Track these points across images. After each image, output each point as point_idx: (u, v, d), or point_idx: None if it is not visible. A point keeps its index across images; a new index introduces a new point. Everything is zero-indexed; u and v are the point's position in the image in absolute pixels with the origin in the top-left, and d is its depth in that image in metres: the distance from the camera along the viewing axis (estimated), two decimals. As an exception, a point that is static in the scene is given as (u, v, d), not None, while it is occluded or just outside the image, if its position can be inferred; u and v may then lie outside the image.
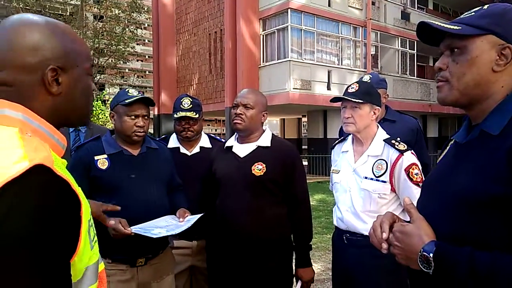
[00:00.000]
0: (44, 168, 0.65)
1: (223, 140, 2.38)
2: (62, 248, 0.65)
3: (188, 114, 2.29)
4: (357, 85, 1.98)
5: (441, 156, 1.12)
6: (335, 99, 2.03)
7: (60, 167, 0.72)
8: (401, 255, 0.97)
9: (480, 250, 0.83)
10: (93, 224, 0.82)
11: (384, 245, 1.00)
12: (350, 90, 1.97)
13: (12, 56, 0.75)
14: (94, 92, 0.94)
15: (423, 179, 1.88)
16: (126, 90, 1.96)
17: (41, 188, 0.63)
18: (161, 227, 1.73)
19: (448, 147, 1.11)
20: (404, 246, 0.95)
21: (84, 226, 0.72)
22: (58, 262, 0.64)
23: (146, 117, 1.93)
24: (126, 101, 1.87)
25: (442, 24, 0.99)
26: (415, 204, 1.05)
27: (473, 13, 0.99)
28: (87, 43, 0.88)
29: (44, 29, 0.79)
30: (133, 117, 1.89)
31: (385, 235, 1.00)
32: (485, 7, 0.99)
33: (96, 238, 0.82)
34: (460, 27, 0.96)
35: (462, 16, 1.01)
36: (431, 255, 0.88)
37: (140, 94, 1.92)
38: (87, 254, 0.74)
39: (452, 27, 0.97)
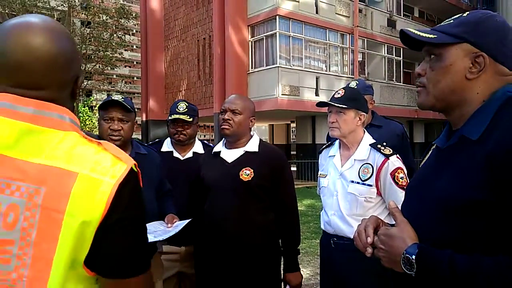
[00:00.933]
0: (134, 168, 0.81)
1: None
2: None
3: (182, 117, 2.30)
4: (343, 90, 2.02)
5: (424, 161, 1.15)
6: (321, 104, 2.06)
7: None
8: (385, 258, 0.98)
9: (461, 253, 0.85)
10: None
11: (369, 249, 1.01)
12: (336, 96, 2.01)
13: (52, 74, 0.78)
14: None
15: (408, 183, 1.91)
16: (111, 95, 1.95)
17: (138, 183, 0.81)
18: (149, 232, 1.73)
19: (430, 152, 1.13)
20: (388, 249, 0.96)
21: None
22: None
23: (124, 121, 1.90)
24: (101, 104, 1.88)
25: (419, 33, 1.01)
26: (400, 208, 1.07)
27: (451, 21, 1.01)
28: None
29: (69, 38, 0.83)
30: (108, 120, 1.88)
31: (369, 239, 1.01)
32: (465, 14, 1.01)
33: None
34: (436, 36, 0.98)
35: (441, 24, 1.04)
36: (414, 257, 0.89)
37: (121, 99, 1.90)
38: None
39: (428, 35, 0.99)
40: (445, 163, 0.99)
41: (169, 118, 2.35)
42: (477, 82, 0.95)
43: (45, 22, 0.79)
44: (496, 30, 0.96)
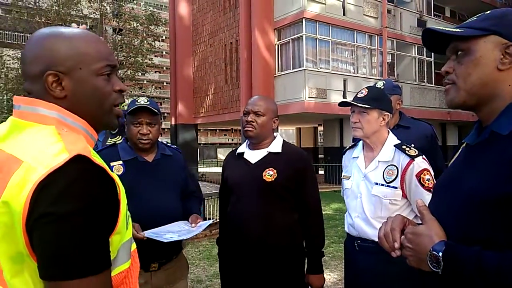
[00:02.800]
0: (82, 157, 0.74)
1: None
2: (104, 225, 0.75)
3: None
4: (367, 90, 1.99)
5: (453, 159, 1.13)
6: (343, 104, 2.05)
7: (96, 157, 0.79)
8: (412, 257, 0.97)
9: (491, 250, 0.83)
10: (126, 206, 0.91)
11: (397, 252, 1.01)
12: (359, 95, 1.99)
13: (24, 68, 0.86)
14: (123, 93, 0.94)
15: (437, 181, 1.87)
16: (136, 99, 2.00)
17: (82, 175, 0.72)
18: (173, 232, 1.77)
19: (460, 150, 1.11)
20: (415, 247, 0.95)
21: (122, 207, 0.81)
22: (101, 236, 0.74)
23: (152, 125, 1.95)
24: (129, 110, 1.93)
25: (446, 28, 1.01)
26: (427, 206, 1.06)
27: (475, 18, 1.01)
28: (104, 46, 0.87)
29: (44, 39, 0.85)
30: (137, 124, 1.93)
31: (397, 245, 1.01)
32: (487, 12, 1.01)
33: (130, 220, 0.91)
34: (462, 30, 0.98)
35: (466, 21, 1.03)
36: (441, 254, 0.88)
37: (147, 103, 1.94)
38: (123, 233, 0.83)
39: (455, 30, 0.99)
40: (475, 159, 0.97)
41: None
42: (509, 73, 0.94)
43: (41, 31, 0.88)
44: None
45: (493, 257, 0.82)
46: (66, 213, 0.69)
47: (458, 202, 0.94)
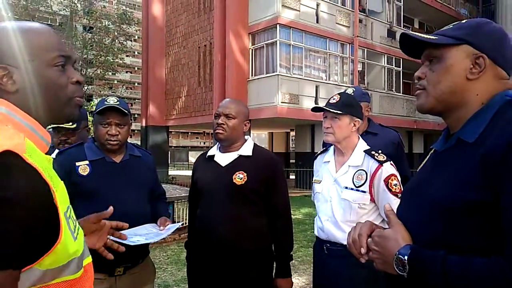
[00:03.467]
0: (11, 153, 0.70)
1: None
2: (21, 224, 0.69)
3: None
4: (339, 96, 2.03)
5: (421, 165, 1.15)
6: (315, 109, 2.07)
7: (34, 157, 0.74)
8: (378, 260, 0.98)
9: (454, 255, 0.85)
10: (73, 217, 0.84)
11: (365, 257, 1.02)
12: (331, 101, 2.01)
13: None
14: (81, 84, 0.91)
15: (402, 190, 1.91)
16: (105, 98, 1.94)
17: (5, 171, 0.68)
18: (140, 235, 1.72)
19: (428, 156, 1.14)
20: (381, 250, 0.97)
21: (61, 217, 0.76)
22: (15, 233, 0.68)
23: (121, 126, 1.89)
24: (97, 110, 1.87)
25: (421, 35, 1.03)
26: (396, 211, 1.07)
27: (451, 26, 1.04)
28: (75, 54, 0.84)
29: None
30: (105, 125, 1.87)
31: (363, 250, 1.02)
32: (463, 21, 1.04)
33: (80, 230, 0.85)
34: (437, 37, 1.00)
35: (441, 29, 1.06)
36: (406, 257, 0.90)
37: (117, 103, 1.88)
38: (71, 245, 0.78)
39: (429, 37, 1.02)
40: (442, 165, 0.99)
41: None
42: (477, 83, 0.96)
43: None
44: (495, 34, 0.99)
45: (457, 261, 0.83)
46: None
47: (424, 207, 0.96)
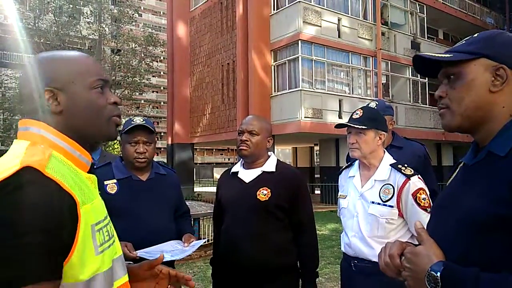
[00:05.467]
0: (31, 169, 0.74)
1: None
2: (46, 242, 0.71)
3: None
4: (361, 111, 2.01)
5: (451, 179, 1.12)
6: (339, 126, 2.05)
7: (58, 171, 0.78)
8: (410, 277, 0.95)
9: (488, 272, 0.82)
10: (108, 231, 0.88)
11: (400, 278, 0.99)
12: (354, 116, 2.00)
13: (21, 91, 0.91)
14: (118, 105, 0.97)
15: (431, 204, 1.86)
16: (131, 118, 2.01)
17: (25, 186, 0.72)
18: (166, 251, 1.74)
19: (457, 170, 1.11)
20: (413, 267, 0.94)
21: (82, 228, 0.77)
22: (32, 248, 0.70)
23: (147, 144, 1.95)
24: (125, 129, 1.93)
25: (435, 54, 1.02)
26: (426, 227, 1.05)
27: (464, 42, 1.03)
28: (95, 63, 0.92)
29: (39, 61, 0.90)
30: (133, 144, 1.93)
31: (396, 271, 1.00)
32: (475, 35, 1.03)
33: (108, 245, 0.87)
34: (451, 55, 0.99)
35: (454, 46, 1.05)
36: (439, 274, 0.87)
37: (143, 122, 1.95)
38: (91, 259, 0.78)
39: (444, 55, 1.00)
40: (472, 179, 0.97)
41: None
42: (501, 95, 0.94)
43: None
44: (510, 43, 0.97)
45: (492, 278, 0.80)
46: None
47: (455, 223, 0.94)
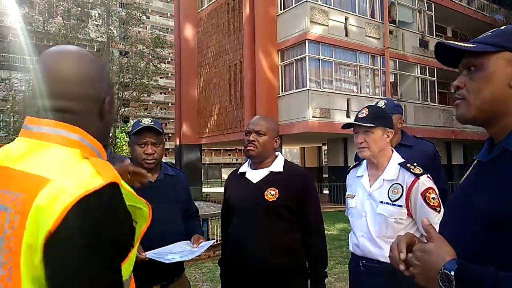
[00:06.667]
0: (116, 185, 0.77)
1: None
2: (122, 250, 0.78)
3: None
4: (367, 110, 2.00)
5: (464, 176, 1.11)
6: (347, 126, 2.04)
7: (125, 184, 0.82)
8: (420, 275, 0.93)
9: (502, 271, 0.80)
10: None
11: (402, 266, 0.97)
12: (361, 116, 1.99)
13: (62, 86, 0.84)
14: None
15: (440, 203, 1.85)
16: (140, 120, 2.02)
17: (115, 202, 0.76)
18: (175, 252, 1.75)
19: (471, 167, 1.10)
20: (424, 265, 0.92)
21: (137, 237, 0.86)
22: (118, 261, 0.76)
23: (156, 145, 1.96)
24: (134, 130, 1.94)
25: (459, 43, 1.00)
26: (438, 225, 1.04)
27: (489, 33, 1.01)
28: (112, 78, 0.97)
29: (94, 62, 0.90)
30: (142, 145, 1.94)
31: (402, 256, 0.97)
32: (502, 27, 1.01)
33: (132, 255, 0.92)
34: (475, 45, 0.97)
35: (479, 37, 1.03)
36: (453, 273, 0.85)
37: (151, 123, 1.96)
38: (130, 264, 0.84)
39: (468, 45, 0.98)
40: (486, 176, 0.95)
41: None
42: None
43: (63, 51, 0.90)
44: None
45: (510, 278, 0.79)
46: (97, 243, 0.70)
47: (469, 221, 0.93)
